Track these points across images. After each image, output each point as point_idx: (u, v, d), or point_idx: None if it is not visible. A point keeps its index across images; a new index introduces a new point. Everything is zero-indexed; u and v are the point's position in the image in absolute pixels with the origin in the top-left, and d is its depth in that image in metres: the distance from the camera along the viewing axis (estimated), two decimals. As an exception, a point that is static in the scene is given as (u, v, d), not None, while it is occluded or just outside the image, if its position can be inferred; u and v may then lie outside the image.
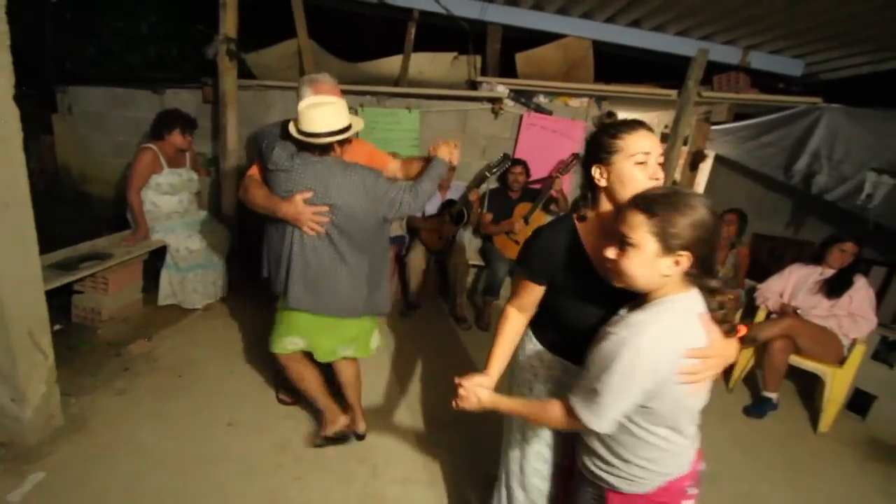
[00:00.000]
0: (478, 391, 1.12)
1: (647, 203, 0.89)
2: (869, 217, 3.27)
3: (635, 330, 0.88)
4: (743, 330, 0.96)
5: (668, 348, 0.87)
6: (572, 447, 1.21)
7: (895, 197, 3.15)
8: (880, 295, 3.41)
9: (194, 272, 3.02)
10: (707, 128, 3.90)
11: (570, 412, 0.96)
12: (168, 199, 2.94)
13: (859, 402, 2.79)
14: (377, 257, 1.83)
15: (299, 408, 2.29)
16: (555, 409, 1.00)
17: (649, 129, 1.07)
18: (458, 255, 3.52)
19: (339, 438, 2.05)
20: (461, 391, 1.13)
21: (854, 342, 2.60)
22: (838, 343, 2.61)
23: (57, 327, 2.60)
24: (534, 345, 1.32)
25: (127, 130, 4.02)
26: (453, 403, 1.15)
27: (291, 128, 1.62)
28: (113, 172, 4.10)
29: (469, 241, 3.91)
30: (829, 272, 2.70)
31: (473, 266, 3.80)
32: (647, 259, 0.89)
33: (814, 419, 2.68)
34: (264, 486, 1.84)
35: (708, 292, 0.92)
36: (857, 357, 2.59)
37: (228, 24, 3.10)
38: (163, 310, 3.06)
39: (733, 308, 0.93)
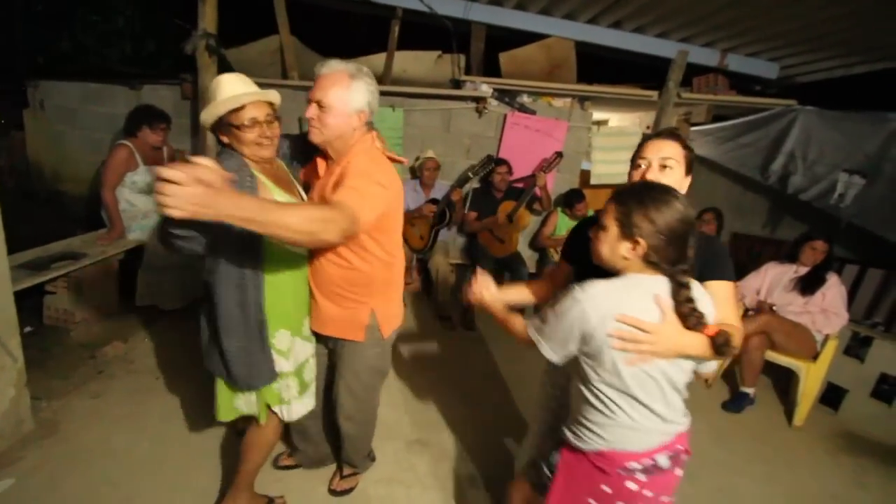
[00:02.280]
0: (487, 286, 1.27)
1: (619, 194, 1.03)
2: (841, 216, 3.37)
3: (586, 286, 1.00)
4: (712, 330, 0.97)
5: (602, 304, 0.98)
6: None
7: (866, 197, 3.25)
8: (852, 292, 3.53)
9: (171, 273, 2.95)
10: (687, 128, 3.98)
11: (526, 331, 1.13)
12: (144, 198, 2.87)
13: (832, 396, 2.87)
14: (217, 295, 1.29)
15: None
16: (519, 324, 1.17)
17: (666, 136, 1.21)
18: (440, 255, 3.52)
19: None
20: (473, 281, 1.28)
21: (827, 338, 2.68)
22: (812, 339, 2.68)
23: (27, 329, 2.52)
24: None
25: (102, 127, 3.92)
26: (463, 293, 1.32)
27: None
28: (87, 170, 3.98)
29: (454, 240, 3.91)
30: (804, 270, 2.78)
31: (458, 265, 3.80)
32: (610, 240, 1.02)
33: (789, 413, 2.75)
34: (244, 489, 1.81)
35: (677, 285, 0.98)
36: (829, 352, 2.66)
37: (208, 18, 3.04)
38: (139, 311, 2.98)
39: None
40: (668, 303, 0.98)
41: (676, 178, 1.17)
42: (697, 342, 0.97)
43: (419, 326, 3.41)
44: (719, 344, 0.97)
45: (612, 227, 1.02)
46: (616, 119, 5.18)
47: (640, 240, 0.97)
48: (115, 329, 2.81)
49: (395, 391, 2.55)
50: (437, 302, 3.58)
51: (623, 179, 4.24)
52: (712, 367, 1.18)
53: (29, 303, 2.52)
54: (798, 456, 2.44)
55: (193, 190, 0.82)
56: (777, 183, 3.74)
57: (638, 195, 1.00)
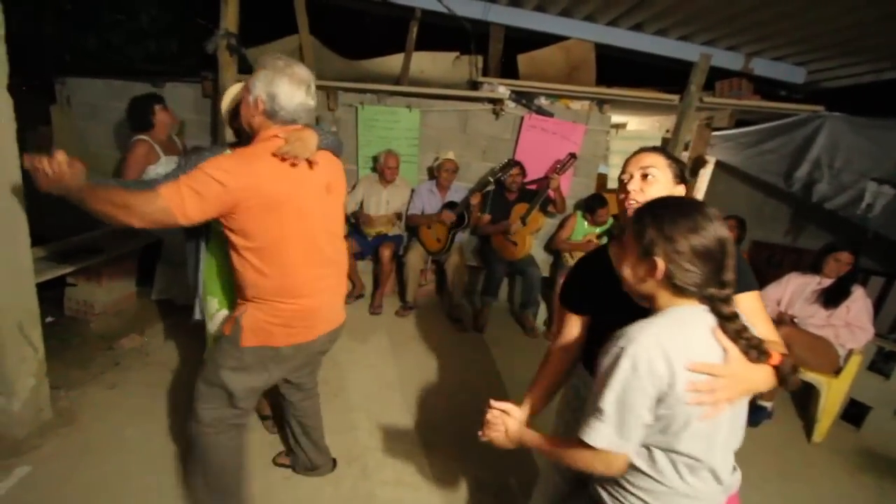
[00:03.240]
0: (506, 420, 1.08)
1: (642, 208, 0.92)
2: (869, 227, 3.26)
3: (630, 337, 0.83)
4: (776, 358, 0.85)
5: (666, 349, 0.81)
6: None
7: (895, 207, 3.14)
8: (878, 305, 3.40)
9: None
10: (708, 133, 3.89)
11: (588, 446, 0.87)
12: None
13: (854, 412, 2.78)
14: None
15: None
16: (573, 445, 0.91)
17: (648, 150, 1.16)
18: (456, 257, 3.51)
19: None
20: (489, 417, 1.10)
21: (850, 352, 2.59)
22: (834, 353, 2.60)
23: (49, 320, 2.58)
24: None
25: (124, 123, 4.00)
26: (479, 433, 1.11)
27: None
28: (110, 164, 4.06)
29: (467, 242, 3.90)
30: (827, 281, 2.69)
31: (471, 267, 3.79)
32: (631, 260, 0.91)
33: (808, 429, 2.67)
34: (257, 484, 1.82)
35: (721, 318, 0.85)
36: (852, 367, 2.58)
37: (229, 18, 3.08)
38: (156, 305, 3.04)
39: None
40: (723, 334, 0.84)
41: (663, 186, 1.12)
42: (766, 376, 0.86)
43: (431, 328, 3.40)
44: (786, 373, 0.84)
45: (631, 246, 0.90)
46: (635, 122, 5.11)
47: (658, 260, 0.84)
48: (132, 322, 2.86)
49: (404, 393, 2.55)
50: (449, 303, 3.56)
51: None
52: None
53: (50, 294, 2.59)
54: (816, 473, 2.37)
55: (42, 177, 1.22)
56: (801, 191, 3.63)
57: (652, 208, 0.90)
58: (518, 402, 1.17)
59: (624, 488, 0.92)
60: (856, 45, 3.20)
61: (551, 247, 3.84)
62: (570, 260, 3.58)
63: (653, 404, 0.83)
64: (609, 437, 0.84)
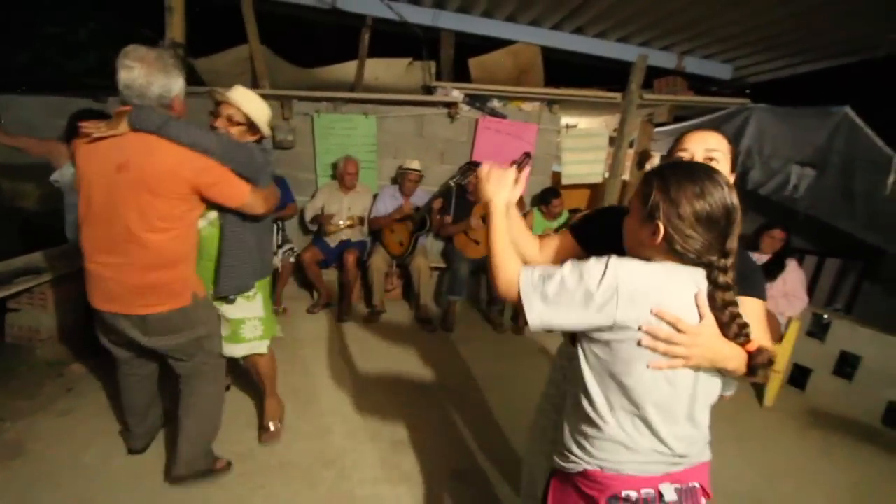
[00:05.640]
0: (510, 182, 1.03)
1: (651, 171, 0.88)
2: (798, 208, 3.57)
3: (621, 258, 0.83)
4: (755, 345, 0.83)
5: (640, 283, 0.79)
6: None
7: (817, 187, 3.45)
8: (813, 282, 3.72)
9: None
10: (651, 129, 4.14)
11: (517, 278, 0.87)
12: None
13: (798, 377, 3.02)
14: None
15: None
16: (515, 265, 0.89)
17: (711, 130, 1.07)
18: (420, 259, 3.54)
19: None
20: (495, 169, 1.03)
21: (789, 320, 2.82)
22: (776, 322, 2.81)
23: (-11, 349, 2.41)
24: None
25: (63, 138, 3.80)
26: (473, 177, 1.05)
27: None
28: (48, 185, 3.85)
29: (431, 245, 3.94)
30: (764, 258, 2.92)
31: (436, 269, 3.83)
32: (632, 222, 0.89)
33: (759, 394, 2.87)
34: (227, 497, 1.77)
35: (714, 285, 0.82)
36: (793, 332, 2.80)
37: (175, 28, 3.02)
38: (109, 326, 2.88)
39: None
40: (706, 300, 0.82)
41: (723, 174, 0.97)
42: (736, 356, 0.82)
43: (400, 331, 3.40)
44: (759, 363, 0.81)
45: (636, 208, 0.87)
46: (584, 123, 5.34)
47: (659, 224, 0.81)
48: (83, 346, 2.70)
49: (377, 395, 2.54)
50: (417, 306, 3.58)
51: (593, 178, 4.31)
52: (733, 387, 0.97)
53: (-11, 321, 2.42)
54: (769, 434, 2.55)
55: None
56: (737, 179, 3.92)
57: (662, 172, 0.84)
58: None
59: (572, 438, 0.90)
60: (774, 42, 3.52)
61: (513, 244, 3.95)
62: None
63: (593, 311, 0.80)
64: (531, 296, 0.84)
